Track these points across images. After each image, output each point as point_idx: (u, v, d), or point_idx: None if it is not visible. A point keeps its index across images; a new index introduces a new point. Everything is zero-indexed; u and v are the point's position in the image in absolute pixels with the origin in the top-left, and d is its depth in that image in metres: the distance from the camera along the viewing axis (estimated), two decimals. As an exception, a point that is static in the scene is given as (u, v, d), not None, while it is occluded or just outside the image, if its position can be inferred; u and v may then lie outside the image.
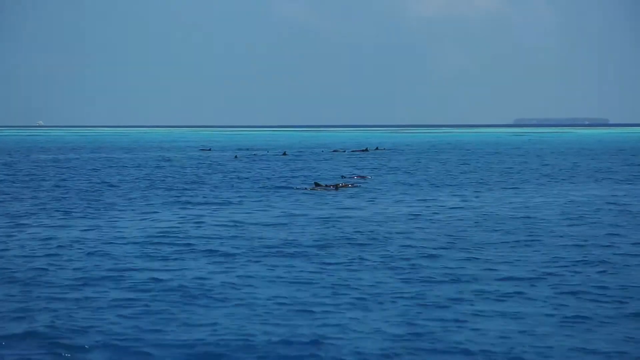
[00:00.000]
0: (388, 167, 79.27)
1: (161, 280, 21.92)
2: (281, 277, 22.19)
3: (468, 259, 25.00)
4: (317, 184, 51.33)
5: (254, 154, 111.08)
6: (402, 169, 75.97)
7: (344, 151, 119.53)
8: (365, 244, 27.91)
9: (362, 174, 64.21)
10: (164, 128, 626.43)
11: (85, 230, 32.12)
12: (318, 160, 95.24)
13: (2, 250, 27.18)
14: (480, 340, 16.27)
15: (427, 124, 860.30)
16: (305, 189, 50.61)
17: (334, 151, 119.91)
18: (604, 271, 23.05)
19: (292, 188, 51.62)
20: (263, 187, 52.34)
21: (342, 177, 60.03)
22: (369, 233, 30.70)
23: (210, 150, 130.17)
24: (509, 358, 15.25)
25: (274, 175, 66.61)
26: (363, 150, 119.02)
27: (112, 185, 55.76)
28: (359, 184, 53.84)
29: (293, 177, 63.79)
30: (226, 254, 25.91)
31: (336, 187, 50.40)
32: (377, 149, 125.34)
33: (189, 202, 42.84)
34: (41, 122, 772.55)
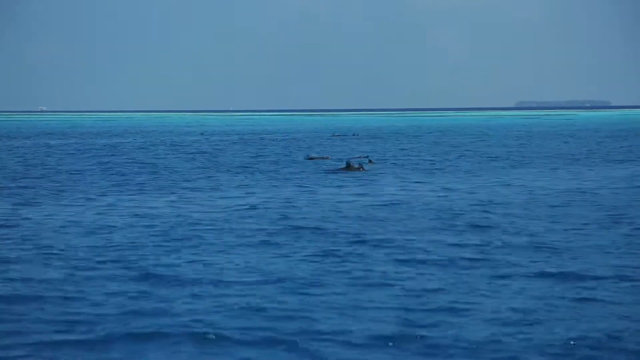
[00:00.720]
0: (395, 149, 79.68)
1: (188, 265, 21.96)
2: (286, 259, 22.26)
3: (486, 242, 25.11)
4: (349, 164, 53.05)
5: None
6: (406, 152, 76.24)
7: (338, 135, 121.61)
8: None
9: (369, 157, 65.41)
10: (164, 113, 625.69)
11: (84, 214, 32.20)
12: (331, 144, 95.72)
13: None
14: (474, 326, 16.36)
15: (428, 107, 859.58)
16: (340, 169, 52.68)
17: (334, 135, 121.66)
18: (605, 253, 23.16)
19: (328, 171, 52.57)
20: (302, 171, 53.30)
21: (369, 161, 60.35)
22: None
23: (202, 134, 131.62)
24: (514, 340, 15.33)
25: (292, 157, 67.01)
26: (353, 135, 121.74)
27: (119, 172, 55.79)
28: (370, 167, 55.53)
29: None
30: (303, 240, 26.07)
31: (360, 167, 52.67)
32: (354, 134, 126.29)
33: (244, 185, 43.89)
34: (43, 108, 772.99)
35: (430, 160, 63.99)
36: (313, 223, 29.27)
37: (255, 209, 33.53)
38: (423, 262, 22.21)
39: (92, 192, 41.19)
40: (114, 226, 29.12)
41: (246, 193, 40.03)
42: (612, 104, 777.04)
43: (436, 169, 55.32)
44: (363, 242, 25.35)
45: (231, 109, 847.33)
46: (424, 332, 15.79)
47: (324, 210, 32.81)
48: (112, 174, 52.55)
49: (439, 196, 37.92)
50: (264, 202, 36.06)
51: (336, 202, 35.84)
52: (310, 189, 41.53)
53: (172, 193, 40.60)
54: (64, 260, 22.90)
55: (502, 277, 20.34)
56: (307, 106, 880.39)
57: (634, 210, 32.32)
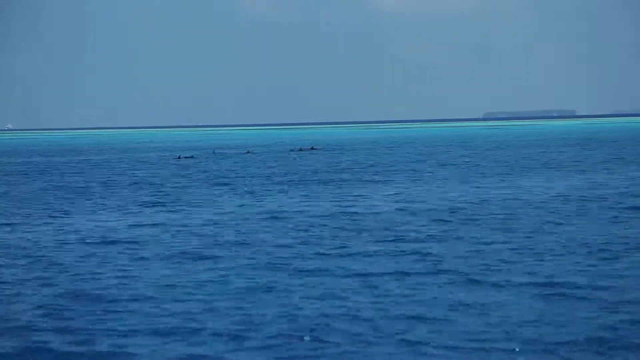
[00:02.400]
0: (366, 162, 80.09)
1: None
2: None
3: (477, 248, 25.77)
4: None
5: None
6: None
7: (302, 149, 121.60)
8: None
9: None
10: (133, 129, 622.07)
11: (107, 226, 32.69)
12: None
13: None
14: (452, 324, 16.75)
15: (396, 119, 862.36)
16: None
17: (300, 150, 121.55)
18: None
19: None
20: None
21: (312, 147, 62.84)
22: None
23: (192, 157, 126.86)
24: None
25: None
26: (311, 149, 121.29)
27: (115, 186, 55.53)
28: None
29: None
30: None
31: None
32: (312, 147, 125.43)
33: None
34: (10, 125, 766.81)
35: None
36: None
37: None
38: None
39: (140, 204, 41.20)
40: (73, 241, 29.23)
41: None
42: (578, 114, 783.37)
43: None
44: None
45: (200, 124, 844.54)
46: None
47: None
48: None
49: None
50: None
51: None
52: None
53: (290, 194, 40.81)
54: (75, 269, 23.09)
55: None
56: (274, 120, 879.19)
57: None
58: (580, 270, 21.91)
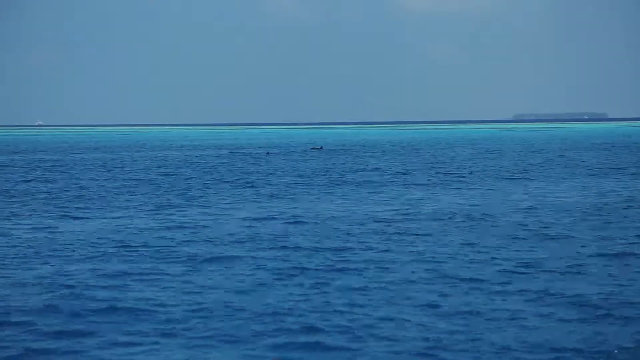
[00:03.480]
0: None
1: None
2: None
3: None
4: None
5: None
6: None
7: (321, 147, 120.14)
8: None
9: None
10: (159, 127, 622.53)
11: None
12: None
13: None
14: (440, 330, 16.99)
15: (426, 120, 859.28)
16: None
17: (313, 148, 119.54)
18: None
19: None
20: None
21: (321, 147, 62.87)
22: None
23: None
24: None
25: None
26: (319, 148, 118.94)
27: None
28: None
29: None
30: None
31: None
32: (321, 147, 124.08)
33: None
34: (40, 122, 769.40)
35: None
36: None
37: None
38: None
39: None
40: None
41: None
42: (609, 117, 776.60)
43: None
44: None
45: (213, 122, 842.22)
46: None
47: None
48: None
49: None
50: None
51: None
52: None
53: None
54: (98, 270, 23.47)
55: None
56: (298, 120, 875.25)
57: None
58: None
